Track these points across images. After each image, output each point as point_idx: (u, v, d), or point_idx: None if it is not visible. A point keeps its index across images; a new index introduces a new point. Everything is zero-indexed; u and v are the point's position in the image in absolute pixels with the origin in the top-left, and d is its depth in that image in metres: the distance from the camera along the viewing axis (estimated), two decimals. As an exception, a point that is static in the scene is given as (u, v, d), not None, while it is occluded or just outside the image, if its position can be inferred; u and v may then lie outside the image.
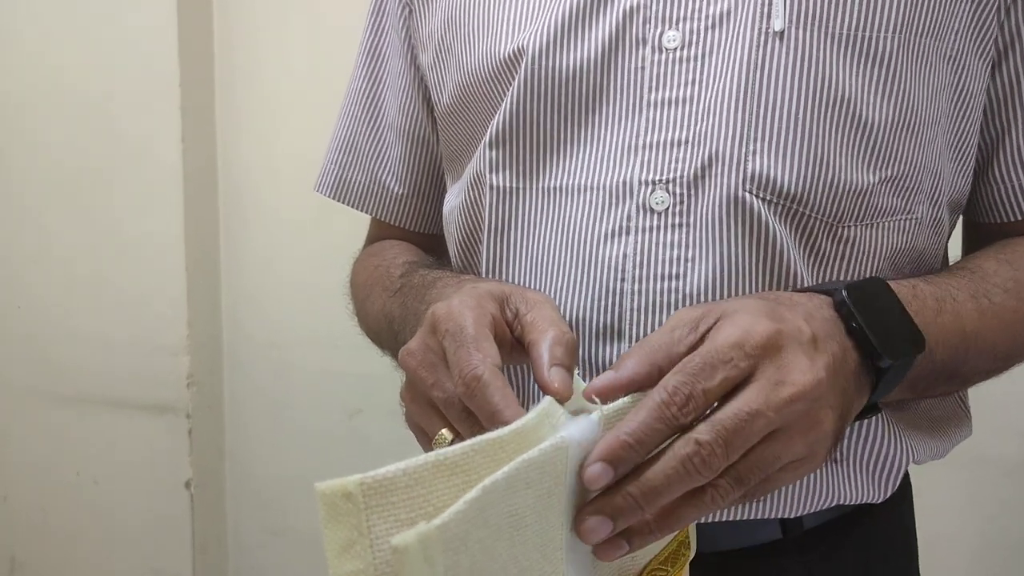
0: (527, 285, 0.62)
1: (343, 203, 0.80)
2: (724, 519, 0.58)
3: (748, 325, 0.44)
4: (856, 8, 0.56)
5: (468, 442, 0.39)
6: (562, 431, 0.41)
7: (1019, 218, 0.64)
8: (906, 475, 0.68)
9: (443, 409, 0.49)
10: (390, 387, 1.48)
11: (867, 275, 0.59)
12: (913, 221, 0.61)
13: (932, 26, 0.57)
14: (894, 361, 0.48)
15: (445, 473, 0.37)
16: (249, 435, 1.58)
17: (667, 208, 0.57)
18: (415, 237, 0.80)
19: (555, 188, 0.60)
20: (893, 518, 0.67)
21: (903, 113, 0.57)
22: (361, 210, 0.80)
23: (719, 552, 0.59)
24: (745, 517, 0.58)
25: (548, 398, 0.43)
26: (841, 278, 0.58)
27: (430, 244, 0.79)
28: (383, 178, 0.78)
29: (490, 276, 0.64)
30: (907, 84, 0.57)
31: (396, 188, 0.77)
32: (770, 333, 0.44)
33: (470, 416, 0.47)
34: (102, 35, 1.47)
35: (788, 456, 0.44)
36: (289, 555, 1.57)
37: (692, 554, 0.52)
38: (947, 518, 1.32)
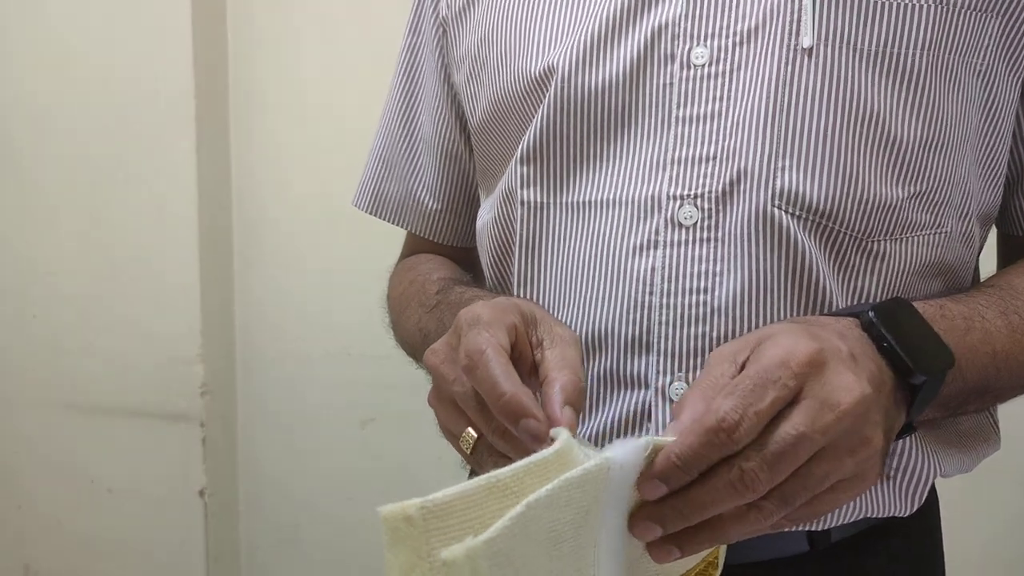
0: (557, 299, 0.63)
1: (380, 218, 0.81)
2: None
3: (791, 345, 0.45)
4: (885, 26, 0.56)
5: (517, 464, 0.40)
6: (608, 451, 0.42)
7: None
8: (933, 489, 0.69)
9: (461, 404, 0.50)
10: (402, 397, 1.50)
11: (897, 289, 0.60)
12: (943, 235, 0.61)
13: (961, 43, 0.58)
14: (927, 377, 0.49)
15: (497, 495, 0.38)
16: (262, 444, 1.58)
17: (695, 223, 0.58)
18: (449, 251, 0.81)
19: (584, 203, 0.61)
20: (920, 532, 0.67)
21: (932, 129, 0.58)
22: (397, 224, 0.81)
23: (746, 564, 0.60)
24: (774, 529, 0.59)
25: (565, 431, 0.44)
26: (871, 292, 0.59)
27: (464, 258, 0.81)
28: (418, 193, 0.79)
29: (521, 291, 0.65)
30: (936, 101, 0.58)
31: (431, 203, 0.79)
32: (813, 351, 0.44)
33: (483, 408, 0.48)
34: (116, 48, 1.48)
35: (837, 475, 0.45)
36: (302, 564, 1.58)
37: (719, 574, 0.53)
38: (974, 531, 1.32)
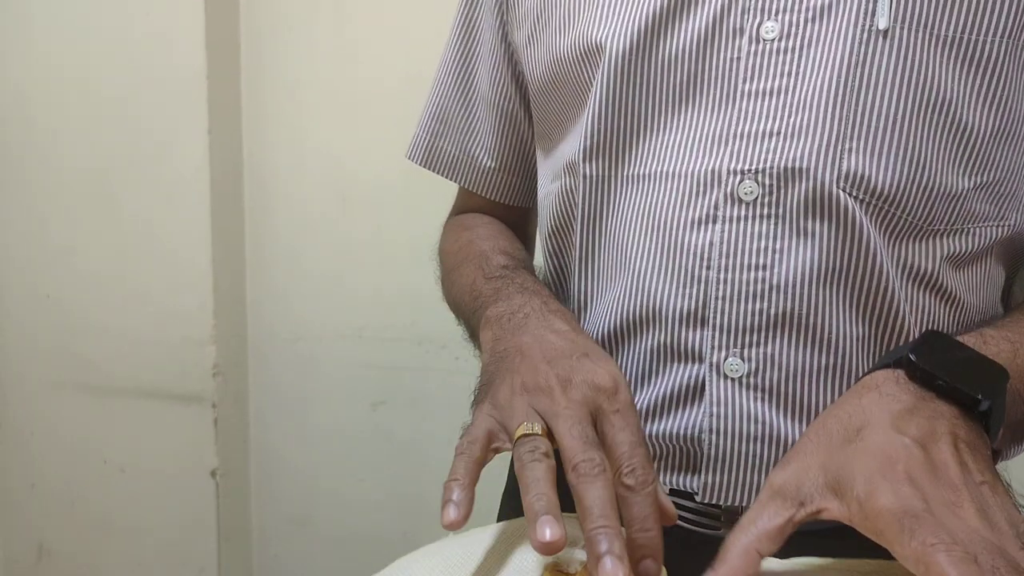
0: (615, 271, 0.63)
1: (433, 171, 0.81)
2: None
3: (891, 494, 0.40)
4: (964, 11, 0.55)
5: None
6: None
7: None
8: None
9: (557, 424, 0.47)
10: (413, 379, 1.51)
11: (956, 279, 0.59)
12: (1005, 227, 0.60)
13: None
14: (991, 398, 0.46)
15: None
16: (273, 425, 1.59)
17: (755, 198, 0.57)
18: (501, 210, 0.81)
19: (645, 175, 0.61)
20: None
21: (1005, 120, 0.57)
22: (450, 179, 0.81)
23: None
24: None
25: None
26: (930, 280, 0.58)
27: (516, 219, 0.81)
28: (473, 150, 0.79)
29: (581, 263, 0.65)
30: (1011, 90, 0.56)
31: (486, 161, 0.78)
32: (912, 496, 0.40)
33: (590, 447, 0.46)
34: (130, 26, 1.48)
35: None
36: (312, 544, 1.59)
37: None
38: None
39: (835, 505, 0.42)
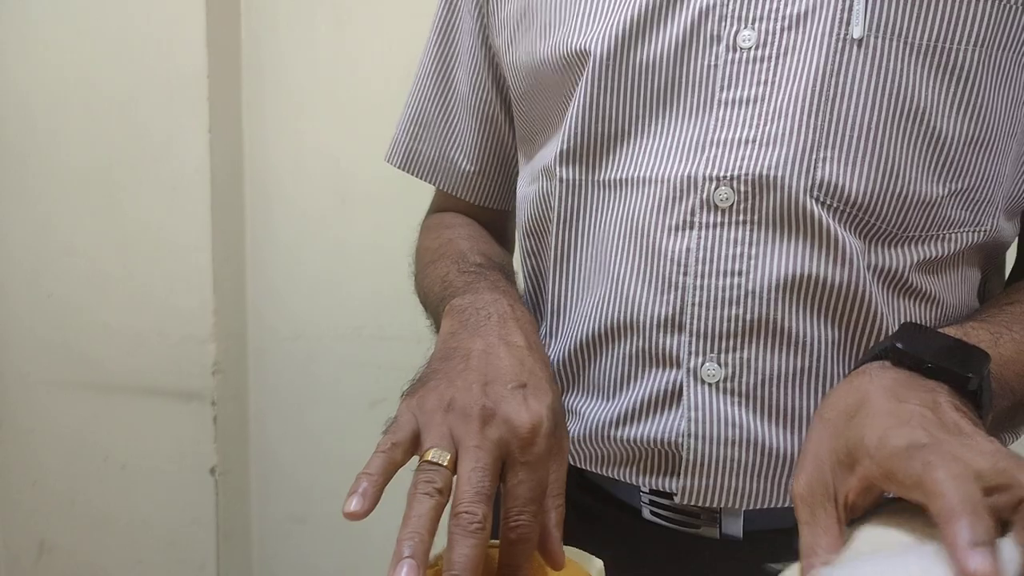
0: (591, 275, 0.63)
1: (412, 174, 0.81)
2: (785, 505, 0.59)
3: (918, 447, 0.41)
4: (938, 20, 0.55)
5: None
6: None
7: None
8: None
9: (469, 440, 0.47)
10: (410, 378, 1.51)
11: (934, 284, 0.59)
12: (981, 233, 0.60)
13: (1015, 39, 0.57)
14: (979, 377, 0.47)
15: None
16: (272, 422, 1.60)
17: (731, 205, 0.57)
18: (480, 212, 0.81)
19: (623, 180, 0.61)
20: None
21: (979, 127, 0.57)
22: (430, 182, 0.81)
23: (766, 531, 0.60)
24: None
25: None
26: (907, 286, 0.59)
27: (494, 220, 0.81)
28: (452, 154, 0.79)
29: (557, 266, 0.65)
30: (985, 98, 0.57)
31: (465, 165, 0.79)
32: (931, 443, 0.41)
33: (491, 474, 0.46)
34: (130, 25, 1.49)
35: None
36: (311, 541, 1.60)
37: None
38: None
39: (854, 477, 0.42)
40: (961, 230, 0.59)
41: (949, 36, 0.55)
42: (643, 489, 0.64)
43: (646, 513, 0.64)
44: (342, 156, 1.50)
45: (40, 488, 1.65)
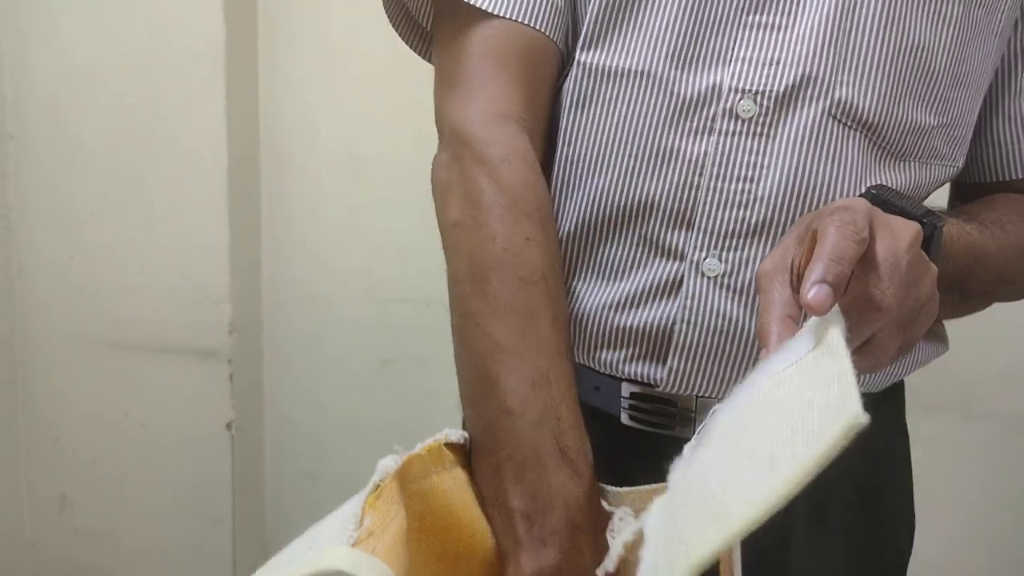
0: (603, 159, 0.66)
1: None
2: None
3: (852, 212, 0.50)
4: None
5: None
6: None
7: (1013, 177, 0.71)
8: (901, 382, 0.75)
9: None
10: (419, 339, 1.56)
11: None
12: (953, 169, 0.69)
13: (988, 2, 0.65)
14: (935, 224, 0.54)
15: None
16: (286, 380, 1.65)
17: (752, 117, 0.62)
18: (519, 57, 0.67)
19: (641, 72, 0.65)
20: (890, 413, 0.74)
21: (961, 69, 0.65)
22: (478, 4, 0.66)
23: None
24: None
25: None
26: None
27: (536, 70, 0.68)
28: None
29: (566, 146, 0.68)
30: (967, 44, 0.64)
31: None
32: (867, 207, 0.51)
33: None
34: (149, 0, 1.54)
35: (925, 296, 0.50)
36: (323, 496, 1.65)
37: None
38: (953, 470, 1.36)
39: (804, 245, 0.49)
40: (941, 163, 0.67)
41: None
42: (625, 379, 0.67)
43: (624, 418, 0.68)
44: (355, 123, 1.55)
45: (62, 444, 1.70)
